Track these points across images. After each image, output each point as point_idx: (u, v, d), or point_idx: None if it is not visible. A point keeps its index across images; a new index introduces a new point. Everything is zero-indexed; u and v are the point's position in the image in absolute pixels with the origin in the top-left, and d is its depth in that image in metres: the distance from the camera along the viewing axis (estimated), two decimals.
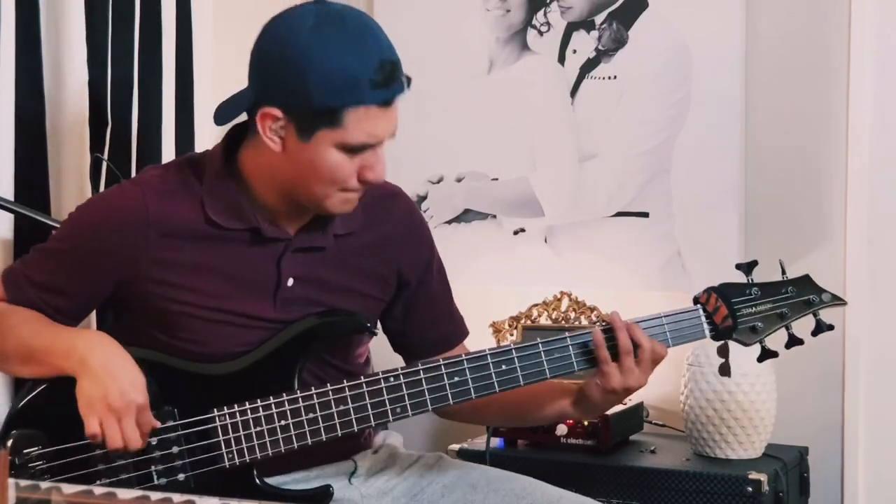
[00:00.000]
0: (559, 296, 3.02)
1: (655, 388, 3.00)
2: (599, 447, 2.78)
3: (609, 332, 2.01)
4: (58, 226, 2.26)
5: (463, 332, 2.25)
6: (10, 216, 2.50)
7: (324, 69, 1.88)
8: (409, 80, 1.97)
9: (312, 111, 1.90)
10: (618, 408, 2.86)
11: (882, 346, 2.87)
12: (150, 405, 1.93)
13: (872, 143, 2.86)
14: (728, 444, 2.74)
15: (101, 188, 2.62)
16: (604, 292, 3.02)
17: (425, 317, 2.19)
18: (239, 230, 2.02)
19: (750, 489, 2.60)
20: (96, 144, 2.69)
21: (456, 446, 2.90)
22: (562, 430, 2.80)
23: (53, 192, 2.63)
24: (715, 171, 2.98)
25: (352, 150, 1.92)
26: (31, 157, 2.57)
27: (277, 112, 1.92)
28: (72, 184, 2.66)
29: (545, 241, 3.17)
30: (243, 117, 2.03)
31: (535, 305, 3.03)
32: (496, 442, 2.87)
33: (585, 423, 2.79)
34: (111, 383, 1.90)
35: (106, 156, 2.69)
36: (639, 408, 2.95)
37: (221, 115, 2.01)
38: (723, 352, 2.09)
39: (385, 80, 1.90)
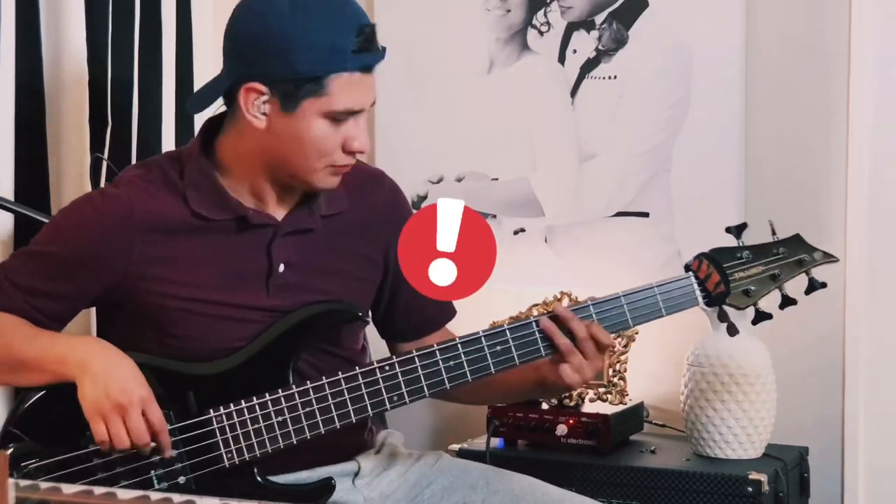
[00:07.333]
0: (559, 296, 3.01)
1: (655, 388, 3.02)
2: (599, 447, 2.78)
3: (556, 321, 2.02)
4: None
5: (449, 313, 2.26)
6: (10, 216, 2.50)
7: (308, 40, 1.91)
8: (383, 48, 2.01)
9: (297, 81, 1.93)
10: (618, 408, 2.87)
11: (882, 345, 2.87)
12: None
13: (872, 143, 2.85)
14: (728, 444, 2.74)
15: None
16: (604, 292, 3.01)
17: (411, 301, 2.18)
18: (225, 220, 2.02)
19: (750, 489, 2.59)
20: (96, 144, 2.70)
21: (456, 446, 2.89)
22: (562, 430, 2.80)
23: (53, 192, 2.64)
24: (715, 171, 2.98)
25: (336, 118, 1.95)
26: (31, 157, 2.58)
27: (261, 87, 1.94)
28: (72, 184, 2.67)
29: (545, 241, 3.17)
30: (209, 112, 2.05)
31: (536, 305, 3.02)
32: (496, 442, 2.87)
33: (585, 422, 2.79)
34: (112, 381, 1.90)
35: (106, 156, 2.69)
36: (639, 408, 2.95)
37: (198, 103, 2.04)
38: (723, 316, 2.09)
39: (365, 44, 1.95)
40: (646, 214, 3.06)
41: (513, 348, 2.01)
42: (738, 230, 2.09)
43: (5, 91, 2.51)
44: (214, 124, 2.07)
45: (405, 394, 1.98)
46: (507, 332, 2.01)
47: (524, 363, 2.02)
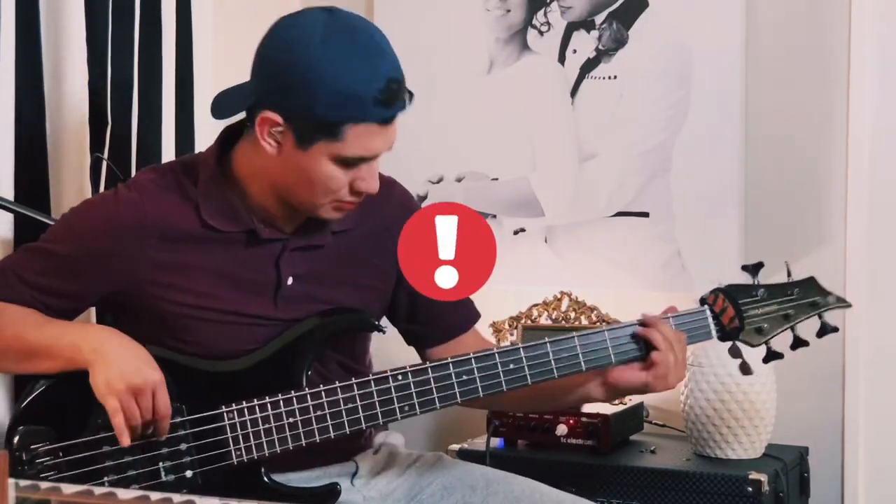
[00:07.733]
0: (559, 296, 3.02)
1: None
2: (599, 447, 2.78)
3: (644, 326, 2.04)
4: None
5: (473, 316, 2.25)
6: (10, 216, 2.50)
7: (330, 84, 1.88)
8: (411, 95, 1.97)
9: (313, 123, 1.91)
10: (618, 408, 2.87)
11: (882, 346, 2.87)
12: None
13: (872, 143, 2.86)
14: (728, 444, 2.74)
15: (101, 188, 2.62)
16: (604, 292, 3.02)
17: (432, 306, 2.16)
18: (235, 232, 2.02)
19: (750, 489, 2.59)
20: (96, 144, 2.69)
21: (456, 446, 2.90)
22: (562, 430, 2.80)
23: (53, 192, 2.63)
24: (715, 171, 2.98)
25: (347, 162, 1.94)
26: (31, 157, 2.57)
27: (277, 118, 1.92)
28: (72, 184, 2.66)
29: (545, 241, 3.17)
30: (235, 117, 2.04)
31: (536, 305, 3.03)
32: (496, 442, 2.87)
33: (585, 422, 2.79)
34: (126, 364, 1.91)
35: (106, 156, 2.69)
36: (639, 408, 2.95)
37: (221, 110, 2.01)
38: (735, 353, 2.09)
39: (389, 99, 1.91)
40: (646, 214, 3.06)
41: (525, 367, 2.01)
42: (754, 268, 2.10)
43: (5, 91, 2.51)
44: (233, 132, 2.06)
45: (416, 404, 1.99)
46: (521, 350, 2.02)
47: (536, 382, 2.03)
